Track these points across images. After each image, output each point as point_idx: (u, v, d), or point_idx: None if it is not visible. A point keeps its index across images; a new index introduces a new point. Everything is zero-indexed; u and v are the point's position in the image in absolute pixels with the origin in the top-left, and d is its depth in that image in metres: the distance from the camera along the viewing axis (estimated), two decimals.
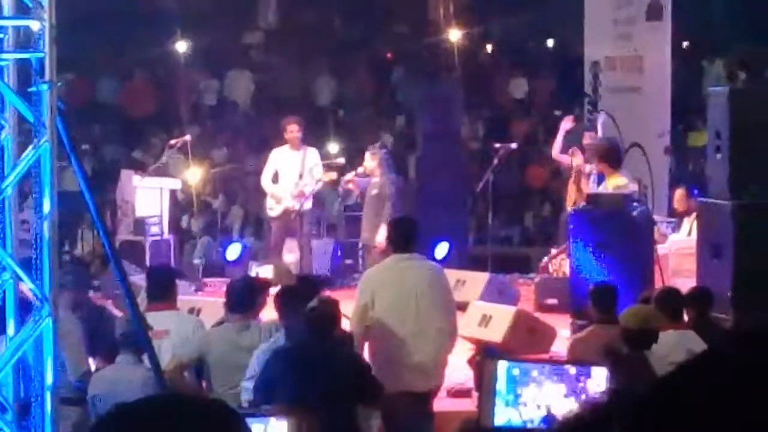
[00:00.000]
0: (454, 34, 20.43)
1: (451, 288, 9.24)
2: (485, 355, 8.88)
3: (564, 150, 13.82)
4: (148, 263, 13.90)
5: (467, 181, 15.87)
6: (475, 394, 8.52)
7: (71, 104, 12.98)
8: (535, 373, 6.41)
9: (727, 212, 10.20)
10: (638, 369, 6.89)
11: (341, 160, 14.81)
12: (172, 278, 9.15)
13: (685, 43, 21.00)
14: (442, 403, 8.95)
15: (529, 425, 6.38)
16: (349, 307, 8.50)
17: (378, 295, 8.42)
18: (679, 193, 13.74)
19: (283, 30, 23.06)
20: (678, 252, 12.24)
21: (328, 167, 14.06)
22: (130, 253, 13.95)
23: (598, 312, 8.62)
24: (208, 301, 11.23)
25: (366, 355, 8.35)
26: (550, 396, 6.37)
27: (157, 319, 7.97)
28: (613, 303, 8.60)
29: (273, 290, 8.98)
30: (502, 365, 6.47)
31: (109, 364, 7.75)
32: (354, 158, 14.51)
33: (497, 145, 15.26)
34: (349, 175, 13.98)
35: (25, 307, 6.01)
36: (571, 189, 13.07)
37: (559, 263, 13.25)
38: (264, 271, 13.93)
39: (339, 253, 15.19)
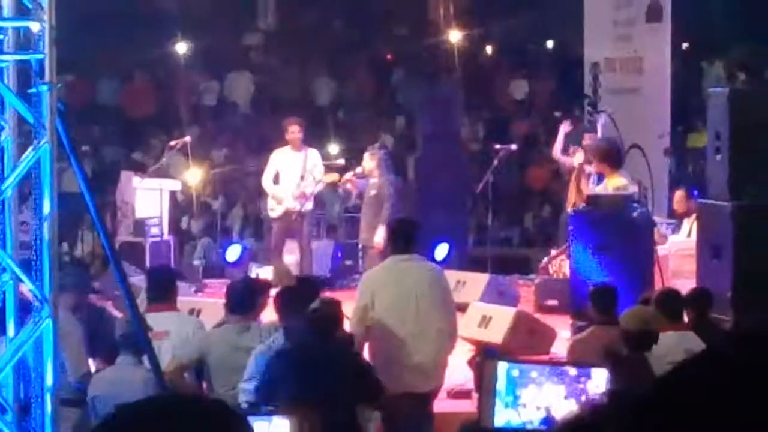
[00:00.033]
0: (454, 36, 20.44)
1: (451, 289, 9.23)
2: (485, 356, 8.89)
3: (565, 151, 13.83)
4: (148, 264, 13.90)
5: (467, 182, 15.88)
6: (475, 395, 8.52)
7: (71, 105, 12.97)
8: (534, 374, 6.42)
9: (727, 213, 10.20)
10: (638, 370, 6.89)
11: (341, 161, 14.81)
12: (172, 279, 9.16)
13: (684, 45, 21.01)
14: (442, 404, 8.95)
15: (528, 426, 6.38)
16: (349, 308, 8.50)
17: (378, 295, 8.43)
18: (679, 194, 13.74)
19: (282, 31, 23.07)
20: (678, 253, 12.24)
21: (328, 168, 14.06)
22: (130, 254, 13.95)
23: (598, 313, 8.62)
24: (208, 302, 11.22)
25: (366, 355, 8.35)
26: (550, 397, 6.37)
27: (157, 320, 7.98)
28: (613, 304, 8.60)
29: (273, 291, 8.99)
30: (502, 366, 6.47)
31: (109, 365, 7.75)
32: (354, 159, 14.51)
33: (497, 146, 15.26)
34: (348, 175, 13.98)
35: (25, 308, 6.02)
36: (572, 190, 13.07)
37: (559, 264, 13.25)
38: (264, 272, 13.94)
39: (339, 255, 15.19)
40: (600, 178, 12.21)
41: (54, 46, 5.85)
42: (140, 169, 16.63)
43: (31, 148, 5.86)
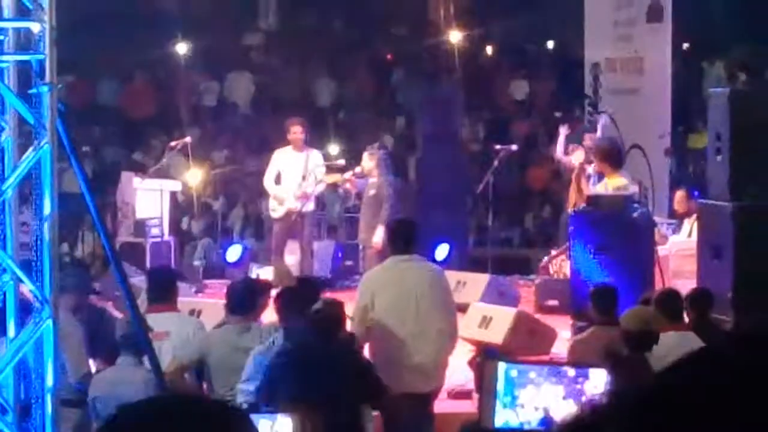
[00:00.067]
0: (455, 36, 20.44)
1: (452, 289, 9.24)
2: (485, 357, 8.89)
3: (566, 153, 13.82)
4: (148, 265, 13.90)
5: (467, 183, 15.88)
6: (475, 395, 8.52)
7: (72, 106, 12.98)
8: (533, 375, 6.42)
9: (728, 214, 10.20)
10: (639, 370, 6.88)
11: (341, 162, 14.81)
12: (172, 280, 9.16)
13: (685, 45, 21.00)
14: (442, 405, 8.95)
15: (526, 427, 6.38)
16: (349, 308, 8.50)
17: (378, 296, 8.43)
18: (680, 194, 13.74)
19: (283, 31, 23.07)
20: (678, 253, 12.24)
21: (328, 168, 14.06)
22: (131, 254, 13.95)
23: (599, 313, 8.62)
24: (208, 303, 11.22)
25: (366, 356, 8.35)
26: (548, 398, 6.37)
27: (157, 321, 7.98)
28: (613, 304, 8.60)
29: (274, 292, 8.98)
30: (501, 367, 6.47)
31: (110, 365, 7.75)
32: (354, 160, 14.51)
33: (497, 147, 15.27)
34: (347, 175, 13.97)
35: (25, 309, 6.02)
36: (572, 190, 13.07)
37: (560, 265, 13.25)
38: (264, 272, 13.94)
39: (339, 255, 15.19)
40: (600, 177, 12.21)
41: (54, 47, 5.85)
42: (141, 169, 16.63)
43: (31, 149, 5.86)
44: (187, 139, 15.71)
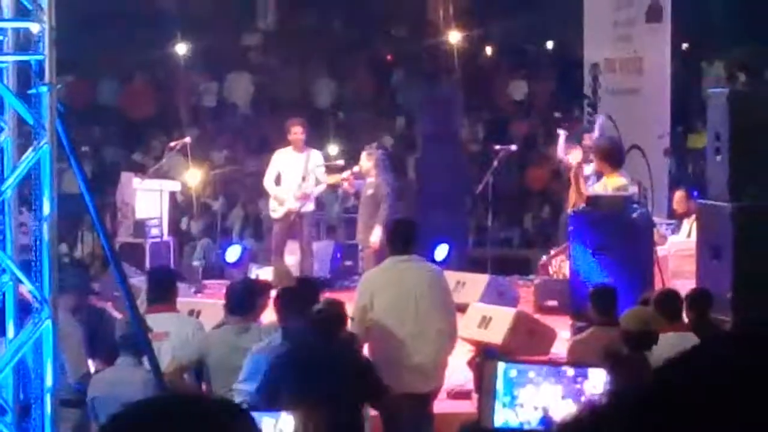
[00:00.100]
0: (454, 36, 20.43)
1: (451, 289, 9.23)
2: (485, 357, 8.88)
3: (566, 153, 13.78)
4: (147, 265, 13.91)
5: (467, 183, 15.88)
6: (474, 395, 8.52)
7: (71, 106, 12.99)
8: (532, 375, 6.41)
9: (727, 214, 10.20)
10: (638, 371, 6.88)
11: (340, 162, 14.81)
12: (172, 280, 9.16)
13: (684, 45, 21.00)
14: (441, 405, 8.95)
15: (526, 426, 6.38)
16: (350, 308, 8.50)
17: (377, 296, 8.43)
18: (679, 194, 13.74)
19: (282, 32, 23.06)
20: (677, 253, 12.24)
21: (327, 169, 14.06)
22: (130, 255, 13.95)
23: (598, 314, 8.62)
24: (207, 303, 11.22)
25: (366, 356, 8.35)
26: (548, 397, 6.37)
27: (156, 321, 7.98)
28: (612, 305, 8.60)
29: (273, 292, 8.98)
30: (500, 366, 6.47)
31: (109, 366, 7.75)
32: (353, 160, 14.51)
33: (497, 147, 15.27)
34: (345, 174, 13.96)
35: (24, 310, 6.02)
36: (572, 190, 13.06)
37: (559, 265, 13.25)
38: (264, 273, 13.94)
39: (338, 255, 15.19)
40: (599, 176, 12.21)
41: (54, 47, 5.85)
42: (140, 170, 16.64)
43: (30, 149, 5.86)
44: (187, 139, 15.71)
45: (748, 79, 19.14)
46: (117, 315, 9.10)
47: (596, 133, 13.84)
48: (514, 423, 6.38)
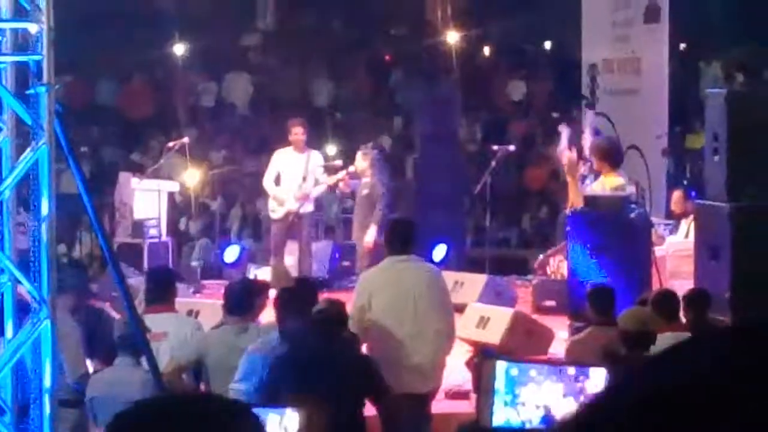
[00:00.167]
0: (453, 37, 20.43)
1: (449, 290, 9.24)
2: (483, 357, 8.89)
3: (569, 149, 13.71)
4: (146, 265, 13.90)
5: (465, 183, 15.88)
6: (473, 395, 8.52)
7: (70, 106, 12.99)
8: (533, 373, 6.42)
9: (725, 214, 10.21)
10: None
11: (339, 162, 14.81)
12: (171, 280, 9.16)
13: (682, 45, 21.01)
14: (440, 405, 8.95)
15: (527, 425, 6.38)
16: (349, 308, 8.50)
17: (375, 296, 8.43)
18: (677, 194, 13.74)
19: (281, 32, 23.07)
20: (675, 254, 12.24)
21: (325, 169, 14.07)
22: (129, 255, 13.95)
23: (596, 314, 8.63)
24: (206, 303, 11.22)
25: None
26: (549, 396, 6.37)
27: (155, 322, 7.98)
28: (610, 305, 8.61)
29: (271, 292, 8.98)
30: (501, 365, 6.47)
31: (108, 366, 7.75)
32: (351, 160, 14.52)
33: (495, 147, 15.27)
34: (340, 174, 13.97)
35: (23, 310, 6.02)
36: (571, 190, 13.05)
37: (557, 265, 13.25)
38: (262, 273, 13.94)
39: (337, 255, 15.19)
40: (597, 176, 12.20)
41: (52, 47, 5.86)
42: (139, 170, 16.64)
43: (29, 150, 5.87)
44: (185, 139, 15.71)
45: (746, 80, 19.16)
46: (115, 315, 9.10)
47: (586, 131, 13.78)
48: (515, 422, 6.38)
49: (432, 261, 12.24)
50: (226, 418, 1.74)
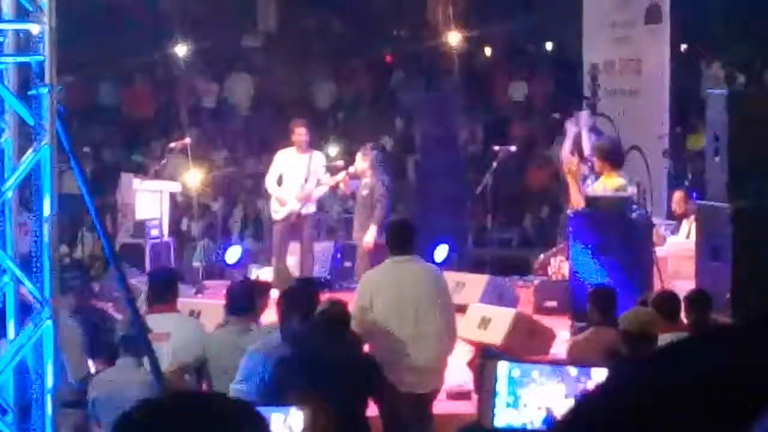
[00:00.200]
0: (454, 37, 20.45)
1: (451, 290, 9.24)
2: (485, 357, 8.89)
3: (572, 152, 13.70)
4: (148, 266, 13.91)
5: (466, 184, 15.89)
6: (474, 396, 8.53)
7: (72, 107, 13.00)
8: (535, 374, 6.41)
9: (726, 214, 10.21)
10: None
11: (340, 163, 14.82)
12: (173, 281, 9.16)
13: (683, 46, 21.01)
14: (441, 406, 8.95)
15: (529, 426, 6.38)
16: (351, 309, 8.51)
17: (377, 297, 8.44)
18: (678, 195, 13.75)
19: (282, 33, 23.08)
20: (677, 254, 12.25)
21: (328, 170, 14.08)
22: (130, 256, 13.96)
23: (598, 314, 8.63)
24: (208, 304, 11.23)
25: None
26: (552, 397, 6.37)
27: (157, 322, 7.98)
28: (612, 305, 8.62)
29: (273, 292, 8.99)
30: (503, 366, 6.47)
31: (110, 366, 7.76)
32: (353, 160, 14.52)
33: (496, 148, 15.27)
34: (340, 175, 13.97)
35: (25, 310, 6.03)
36: (572, 191, 13.05)
37: (558, 265, 13.25)
38: (264, 273, 13.94)
39: (338, 256, 15.20)
40: (597, 176, 12.21)
41: (54, 48, 5.87)
42: (140, 170, 16.65)
43: (31, 150, 5.88)
44: (187, 140, 15.72)
45: (747, 80, 19.16)
46: (117, 316, 9.11)
47: (584, 132, 13.74)
48: (516, 423, 6.38)
49: (433, 261, 12.26)
50: (232, 417, 1.75)
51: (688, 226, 12.82)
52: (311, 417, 6.03)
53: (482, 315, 10.64)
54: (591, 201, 11.50)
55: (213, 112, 21.54)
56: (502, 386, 6.39)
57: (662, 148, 15.81)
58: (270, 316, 8.62)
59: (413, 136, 18.43)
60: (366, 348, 8.43)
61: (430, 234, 13.67)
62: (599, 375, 6.46)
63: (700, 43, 21.55)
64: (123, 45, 19.94)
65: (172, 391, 6.82)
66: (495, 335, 10.31)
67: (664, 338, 7.62)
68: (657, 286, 10.72)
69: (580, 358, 7.86)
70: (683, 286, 10.19)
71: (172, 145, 15.91)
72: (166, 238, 15.02)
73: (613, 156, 12.05)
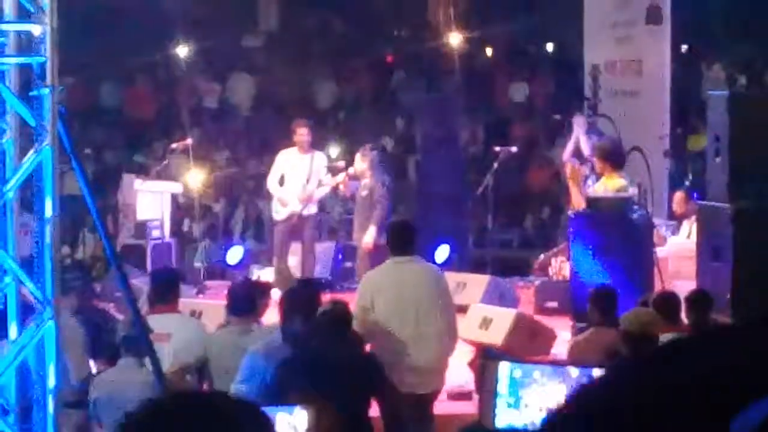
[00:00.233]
0: (455, 38, 20.45)
1: (452, 291, 9.25)
2: (486, 357, 8.90)
3: (574, 153, 13.70)
4: (149, 266, 13.92)
5: (467, 184, 15.89)
6: (475, 396, 8.54)
7: (73, 108, 13.01)
8: (537, 375, 6.42)
9: (727, 215, 10.22)
10: None
11: (341, 163, 14.83)
12: (174, 281, 9.17)
13: (684, 47, 21.01)
14: (442, 406, 8.96)
15: (530, 427, 6.39)
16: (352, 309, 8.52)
17: (377, 297, 8.45)
18: (679, 195, 13.75)
19: (283, 33, 23.09)
20: (677, 255, 12.26)
21: (329, 170, 14.08)
22: (132, 256, 13.98)
23: (598, 315, 8.64)
24: (209, 304, 11.24)
25: None
26: (553, 398, 6.38)
27: (158, 322, 7.99)
28: (613, 306, 8.62)
29: (274, 293, 8.99)
30: (504, 366, 6.48)
31: (111, 367, 7.77)
32: (354, 161, 14.52)
33: (497, 149, 15.28)
34: (340, 176, 13.98)
35: (27, 311, 6.04)
36: (573, 192, 13.06)
37: (559, 266, 13.26)
38: (265, 274, 13.95)
39: (340, 257, 15.21)
40: (598, 177, 12.21)
41: (56, 49, 5.87)
42: (142, 171, 16.66)
43: (32, 151, 5.88)
44: (188, 140, 15.73)
45: (748, 81, 19.17)
46: (119, 316, 9.12)
47: (581, 134, 13.73)
48: (518, 424, 6.38)
49: (434, 262, 12.25)
50: (235, 417, 1.75)
51: (689, 226, 12.82)
52: (315, 417, 6.04)
53: (483, 315, 10.65)
54: (592, 202, 11.51)
55: (214, 112, 21.54)
56: (503, 387, 6.39)
57: (663, 149, 15.81)
58: (271, 316, 8.63)
59: (414, 137, 18.43)
60: (367, 348, 8.44)
61: (431, 234, 13.68)
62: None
63: (701, 43, 21.55)
64: (124, 46, 19.94)
65: (174, 391, 6.83)
66: (496, 336, 10.32)
67: (665, 339, 7.63)
68: (658, 287, 10.73)
69: (580, 359, 7.87)
70: (684, 286, 10.20)
71: (174, 145, 15.92)
72: (167, 238, 15.02)
73: (614, 157, 12.05)
